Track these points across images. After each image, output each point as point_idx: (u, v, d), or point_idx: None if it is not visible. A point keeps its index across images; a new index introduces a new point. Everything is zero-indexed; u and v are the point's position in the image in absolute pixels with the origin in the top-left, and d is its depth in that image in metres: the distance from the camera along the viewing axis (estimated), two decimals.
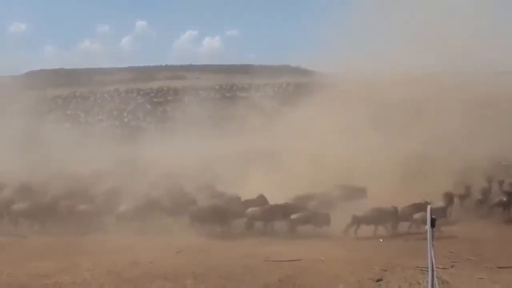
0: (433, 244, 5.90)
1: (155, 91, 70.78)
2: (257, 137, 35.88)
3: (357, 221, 20.19)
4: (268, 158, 29.15)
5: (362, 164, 26.46)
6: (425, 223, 6.19)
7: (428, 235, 5.64)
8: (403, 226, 20.26)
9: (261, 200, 22.40)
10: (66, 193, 24.19)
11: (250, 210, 21.43)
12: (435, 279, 5.93)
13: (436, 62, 36.49)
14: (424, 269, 13.26)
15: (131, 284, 14.05)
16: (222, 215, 21.26)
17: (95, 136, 45.44)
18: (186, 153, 33.67)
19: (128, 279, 14.37)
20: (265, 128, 38.64)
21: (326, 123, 31.88)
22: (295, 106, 39.48)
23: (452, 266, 14.70)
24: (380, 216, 20.30)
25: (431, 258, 5.71)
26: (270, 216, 21.11)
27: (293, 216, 20.69)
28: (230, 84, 69.97)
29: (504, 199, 22.39)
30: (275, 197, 21.66)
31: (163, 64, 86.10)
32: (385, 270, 14.28)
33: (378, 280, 13.65)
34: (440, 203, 21.17)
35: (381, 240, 19.42)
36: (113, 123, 56.30)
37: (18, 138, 39.05)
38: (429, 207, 5.95)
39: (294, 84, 61.04)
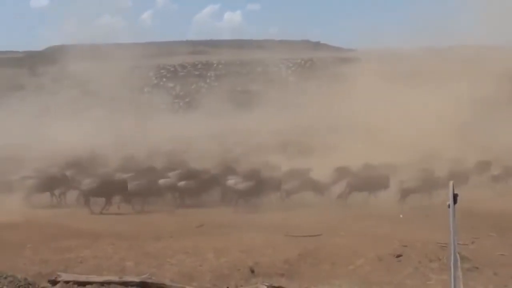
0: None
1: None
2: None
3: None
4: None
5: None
6: None
7: (451, 211, 5.57)
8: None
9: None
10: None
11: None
12: (457, 255, 5.87)
13: None
14: (444, 245, 13.20)
15: (152, 257, 14.15)
16: None
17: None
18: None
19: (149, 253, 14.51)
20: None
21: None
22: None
23: (472, 243, 14.60)
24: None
25: (454, 235, 5.65)
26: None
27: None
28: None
29: None
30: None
31: (184, 39, 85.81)
32: (406, 246, 14.20)
33: (398, 256, 13.59)
34: None
35: (401, 215, 19.37)
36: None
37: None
38: (451, 182, 5.84)
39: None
